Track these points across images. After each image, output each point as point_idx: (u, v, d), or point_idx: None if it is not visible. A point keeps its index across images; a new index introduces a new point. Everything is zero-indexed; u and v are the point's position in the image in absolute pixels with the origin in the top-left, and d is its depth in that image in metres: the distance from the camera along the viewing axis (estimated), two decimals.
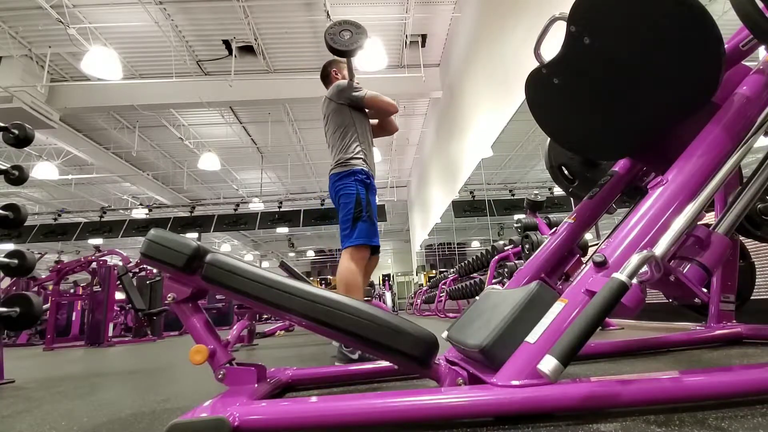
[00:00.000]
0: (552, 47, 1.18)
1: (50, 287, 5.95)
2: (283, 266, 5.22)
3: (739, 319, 1.68)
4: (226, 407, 0.80)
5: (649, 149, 1.22)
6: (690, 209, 0.91)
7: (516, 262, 3.72)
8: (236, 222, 11.64)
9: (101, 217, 11.96)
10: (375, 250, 2.05)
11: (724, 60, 0.99)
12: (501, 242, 4.60)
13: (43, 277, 6.90)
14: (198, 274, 1.00)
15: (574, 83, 1.17)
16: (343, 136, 2.06)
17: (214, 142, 9.68)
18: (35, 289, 6.66)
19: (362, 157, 2.03)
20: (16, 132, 2.25)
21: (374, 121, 2.30)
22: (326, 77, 2.32)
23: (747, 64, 1.16)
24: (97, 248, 7.15)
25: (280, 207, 11.83)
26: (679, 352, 1.57)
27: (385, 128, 2.31)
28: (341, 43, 1.90)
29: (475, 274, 6.50)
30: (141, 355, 3.46)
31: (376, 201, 2.08)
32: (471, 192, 9.80)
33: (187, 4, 5.93)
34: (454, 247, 16.56)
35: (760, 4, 0.91)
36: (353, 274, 1.88)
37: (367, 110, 2.19)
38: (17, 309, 2.01)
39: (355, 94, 2.08)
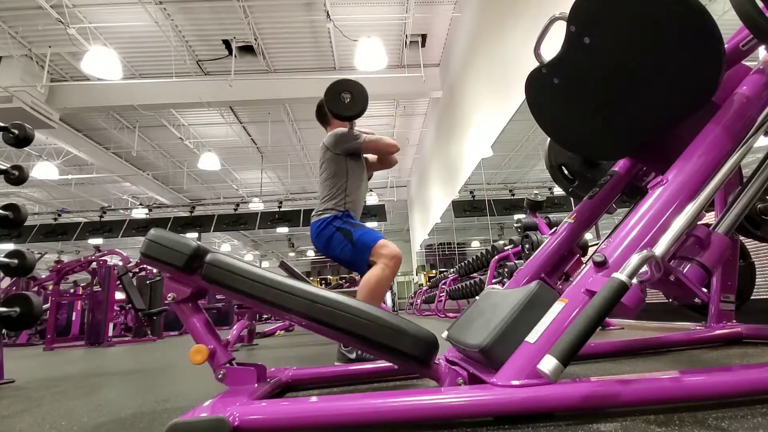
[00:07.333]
0: (552, 47, 1.18)
1: (50, 287, 5.95)
2: (283, 266, 5.21)
3: (739, 319, 1.68)
4: (226, 407, 0.80)
5: (649, 149, 1.22)
6: (690, 209, 0.91)
7: (516, 262, 3.72)
8: (236, 222, 11.64)
9: (101, 217, 11.97)
10: None
11: (725, 60, 0.98)
12: (501, 242, 4.60)
13: (43, 277, 6.90)
14: (198, 274, 1.01)
15: (574, 83, 1.17)
16: (333, 186, 2.00)
17: (214, 142, 9.68)
18: (35, 289, 6.66)
19: (344, 209, 1.98)
20: (16, 132, 2.25)
21: (373, 157, 2.24)
22: (323, 116, 2.23)
23: (747, 64, 1.16)
24: (97, 248, 7.16)
25: (280, 207, 11.83)
26: (679, 352, 1.57)
27: (384, 163, 2.26)
28: (342, 108, 1.85)
29: (475, 274, 6.50)
30: (141, 355, 3.46)
31: (358, 221, 2.03)
32: (471, 192, 9.81)
33: (187, 4, 5.93)
34: (454, 247, 16.55)
35: (760, 4, 0.91)
36: (379, 282, 1.84)
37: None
38: (17, 309, 2.01)
39: (353, 144, 2.02)
